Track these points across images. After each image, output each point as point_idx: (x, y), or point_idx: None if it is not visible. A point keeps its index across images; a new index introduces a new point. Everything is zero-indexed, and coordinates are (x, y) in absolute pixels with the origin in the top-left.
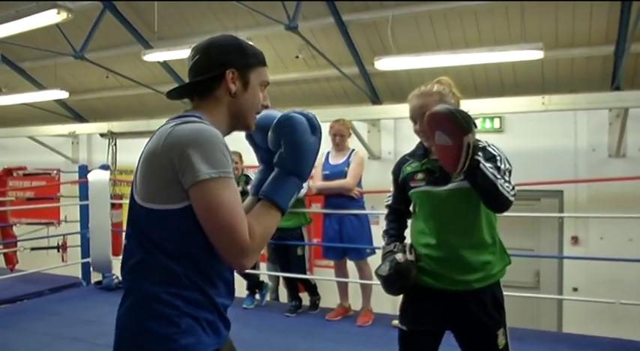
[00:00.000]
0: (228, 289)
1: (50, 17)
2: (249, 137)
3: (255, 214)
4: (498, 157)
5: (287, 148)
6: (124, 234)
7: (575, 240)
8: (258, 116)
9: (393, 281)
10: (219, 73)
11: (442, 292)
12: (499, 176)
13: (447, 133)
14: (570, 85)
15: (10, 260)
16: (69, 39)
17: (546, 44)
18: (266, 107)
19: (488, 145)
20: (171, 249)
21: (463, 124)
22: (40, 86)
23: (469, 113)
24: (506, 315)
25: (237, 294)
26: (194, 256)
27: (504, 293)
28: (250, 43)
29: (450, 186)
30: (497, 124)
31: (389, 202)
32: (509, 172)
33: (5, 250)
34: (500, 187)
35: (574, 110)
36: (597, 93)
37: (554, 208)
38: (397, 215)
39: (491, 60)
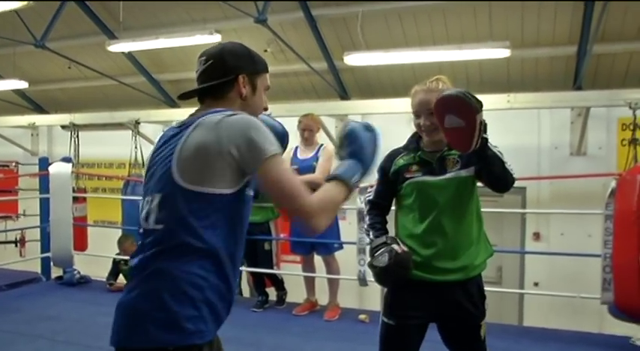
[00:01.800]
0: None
1: (8, 3)
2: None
3: (323, 187)
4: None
5: (370, 151)
6: (88, 228)
7: (536, 236)
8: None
9: (392, 272)
10: (233, 78)
11: (430, 283)
12: (503, 156)
13: (459, 115)
14: (534, 84)
15: None
16: (29, 27)
17: (512, 43)
18: (266, 109)
19: None
20: (210, 234)
21: (475, 103)
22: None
23: None
24: None
25: None
26: (228, 243)
27: None
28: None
29: (447, 175)
30: None
31: (370, 197)
32: (503, 156)
33: None
34: (506, 165)
35: (538, 109)
36: (560, 92)
37: (517, 204)
38: (380, 210)
39: (459, 57)
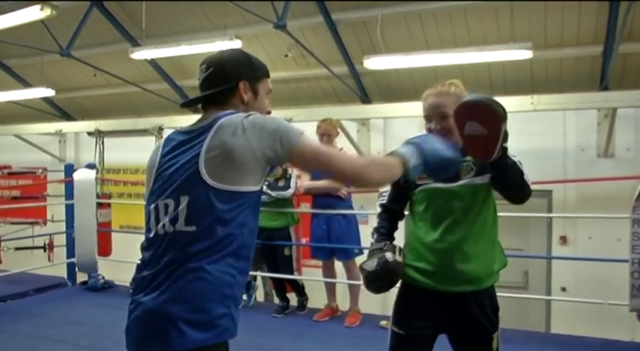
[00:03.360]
0: None
1: (34, 13)
2: None
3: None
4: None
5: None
6: (112, 234)
7: (563, 240)
8: None
9: (376, 279)
10: (234, 85)
11: (441, 293)
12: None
13: (482, 122)
14: (559, 85)
15: None
16: (55, 36)
17: (535, 44)
18: (269, 113)
19: None
20: (240, 231)
21: (501, 111)
22: (26, 84)
23: None
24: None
25: None
26: (252, 239)
27: None
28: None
29: (460, 182)
30: None
31: (383, 201)
32: (521, 164)
33: None
34: (524, 176)
35: (563, 110)
36: (586, 93)
37: (542, 208)
38: (391, 214)
39: (480, 59)
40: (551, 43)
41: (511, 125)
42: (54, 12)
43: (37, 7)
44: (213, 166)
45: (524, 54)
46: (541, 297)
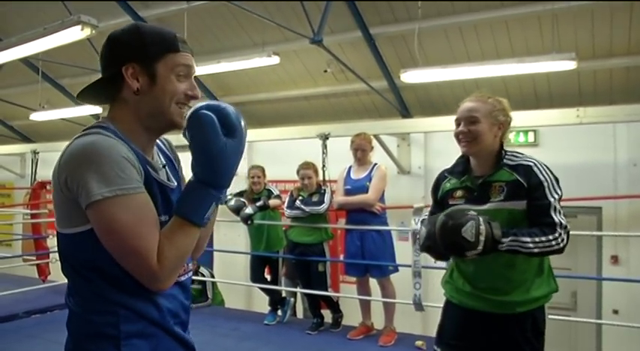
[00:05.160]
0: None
1: (75, 34)
2: (185, 136)
3: (167, 232)
4: (546, 183)
5: (194, 152)
6: None
7: (614, 259)
8: (189, 111)
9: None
10: (116, 71)
11: (482, 314)
12: (531, 244)
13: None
14: (609, 97)
15: (43, 271)
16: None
17: (582, 54)
18: (194, 97)
19: (536, 165)
20: (87, 271)
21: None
22: (78, 102)
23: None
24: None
25: (258, 310)
26: (115, 275)
27: None
28: (164, 27)
29: (488, 206)
30: (531, 137)
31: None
32: (559, 200)
33: (38, 262)
34: (536, 250)
35: (611, 123)
36: (638, 104)
37: (592, 225)
38: None
39: (521, 71)
40: (600, 53)
41: (559, 139)
42: (93, 32)
43: (78, 27)
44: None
45: (567, 65)
46: (591, 320)
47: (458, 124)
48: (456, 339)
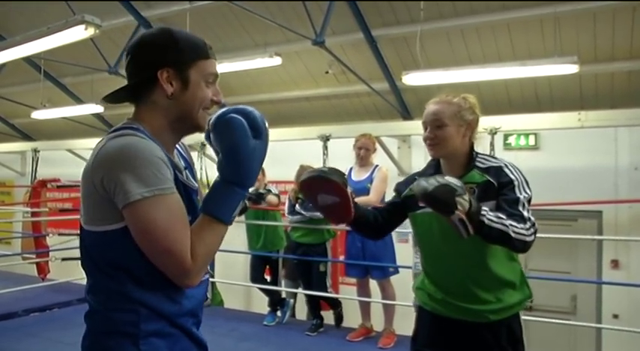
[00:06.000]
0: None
1: (78, 33)
2: (208, 139)
3: (196, 230)
4: (516, 182)
5: (224, 154)
6: None
7: (615, 263)
8: (214, 115)
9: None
10: (151, 75)
11: (455, 321)
12: (508, 223)
13: (329, 193)
14: (611, 101)
15: (42, 270)
16: (105, 55)
17: (584, 58)
18: (217, 103)
19: (506, 166)
20: (113, 269)
21: (337, 178)
22: (79, 101)
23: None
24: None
25: (258, 310)
26: (140, 274)
27: (537, 319)
28: (189, 31)
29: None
30: (532, 140)
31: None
32: (528, 201)
33: (38, 260)
34: (513, 235)
35: (613, 127)
36: (639, 109)
37: (592, 229)
38: (382, 212)
39: (523, 74)
40: (602, 57)
41: (559, 142)
42: (97, 31)
43: (82, 26)
44: (81, 197)
45: (569, 68)
46: (591, 325)
47: (425, 128)
48: (430, 346)
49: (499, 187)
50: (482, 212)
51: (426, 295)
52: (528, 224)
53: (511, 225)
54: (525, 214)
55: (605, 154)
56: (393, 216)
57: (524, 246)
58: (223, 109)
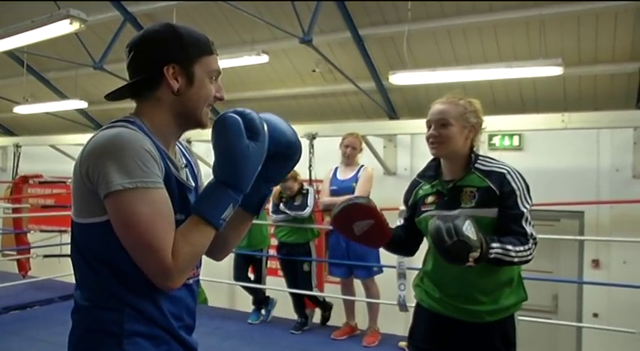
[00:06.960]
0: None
1: (63, 27)
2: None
3: (183, 230)
4: (518, 192)
5: (217, 153)
6: None
7: (596, 263)
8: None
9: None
10: (157, 71)
11: (452, 320)
12: (513, 253)
13: (363, 217)
14: (594, 103)
15: (23, 267)
16: (90, 50)
17: (568, 61)
18: (220, 99)
19: (509, 173)
20: (98, 263)
21: (366, 202)
22: (63, 96)
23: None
24: None
25: (242, 309)
26: (123, 270)
27: (519, 317)
28: (194, 28)
29: (458, 211)
30: (516, 141)
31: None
32: (529, 211)
33: (19, 257)
34: (516, 260)
35: (596, 129)
36: (621, 111)
37: (574, 229)
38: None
39: (508, 75)
40: (585, 59)
41: (543, 143)
42: (82, 26)
43: (67, 21)
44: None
45: (554, 70)
46: (572, 323)
47: (429, 127)
48: (426, 342)
49: (501, 197)
50: (490, 252)
51: (424, 293)
52: (530, 242)
53: (515, 253)
54: (528, 230)
55: (587, 156)
56: (413, 229)
57: (525, 263)
58: (225, 112)
